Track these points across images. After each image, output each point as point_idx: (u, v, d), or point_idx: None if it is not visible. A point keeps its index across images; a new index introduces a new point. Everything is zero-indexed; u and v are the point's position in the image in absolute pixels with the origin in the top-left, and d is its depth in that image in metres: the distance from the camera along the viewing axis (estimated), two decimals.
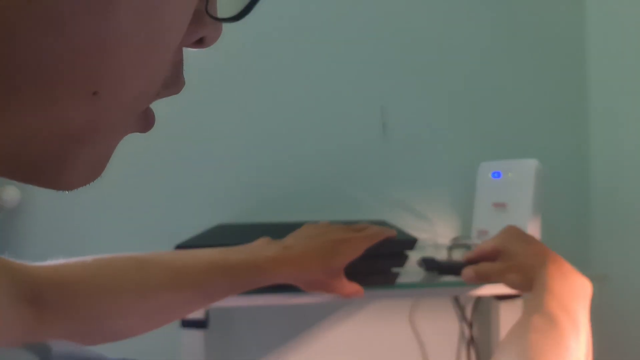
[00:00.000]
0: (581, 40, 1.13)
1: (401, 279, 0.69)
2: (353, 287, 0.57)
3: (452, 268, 0.72)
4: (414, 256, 0.73)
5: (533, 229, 0.84)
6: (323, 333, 1.05)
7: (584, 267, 1.11)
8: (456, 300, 1.06)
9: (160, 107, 0.94)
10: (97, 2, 0.17)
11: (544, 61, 1.12)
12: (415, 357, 1.06)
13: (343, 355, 1.05)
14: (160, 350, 1.02)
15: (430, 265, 0.73)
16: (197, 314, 0.83)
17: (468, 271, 0.58)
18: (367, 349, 1.06)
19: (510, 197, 0.89)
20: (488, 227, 0.95)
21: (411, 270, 0.75)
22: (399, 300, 1.07)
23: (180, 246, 0.66)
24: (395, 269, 0.69)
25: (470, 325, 1.03)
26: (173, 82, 0.25)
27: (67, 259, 0.43)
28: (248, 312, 1.03)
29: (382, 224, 0.93)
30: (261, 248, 0.54)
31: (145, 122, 0.25)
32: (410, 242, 0.68)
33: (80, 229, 1.02)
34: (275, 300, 0.71)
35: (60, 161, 0.21)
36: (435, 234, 1.08)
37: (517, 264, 0.55)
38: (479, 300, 1.03)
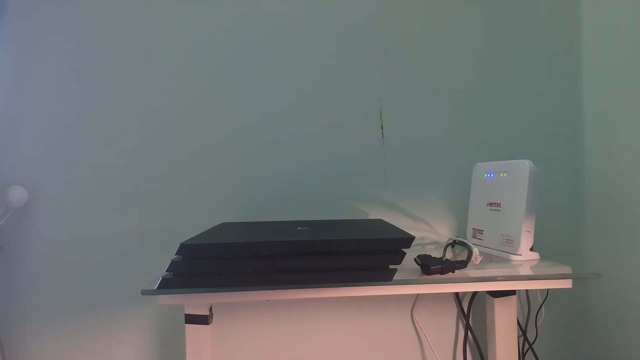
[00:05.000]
0: (576, 44, 1.15)
1: (398, 276, 0.72)
2: None
3: (446, 266, 0.75)
4: (410, 254, 0.76)
5: (527, 229, 0.86)
6: (324, 327, 1.07)
7: (578, 266, 1.13)
8: (456, 296, 1.08)
9: (167, 112, 0.97)
10: None
11: (538, 64, 1.14)
12: (415, 347, 1.09)
13: (345, 349, 1.07)
14: (166, 345, 1.04)
15: (425, 262, 0.75)
16: (201, 310, 0.85)
17: None
18: (368, 341, 1.08)
19: (505, 197, 0.91)
20: (483, 226, 0.97)
21: (407, 267, 0.77)
22: (399, 295, 1.09)
23: (184, 244, 0.67)
24: (392, 266, 0.71)
25: (468, 319, 1.06)
26: None
27: None
28: (251, 307, 1.05)
29: (380, 223, 0.95)
30: None
31: None
32: (407, 241, 0.70)
33: (86, 228, 1.04)
34: (277, 295, 0.73)
35: None
36: (432, 233, 1.10)
37: None
38: (475, 296, 1.05)
